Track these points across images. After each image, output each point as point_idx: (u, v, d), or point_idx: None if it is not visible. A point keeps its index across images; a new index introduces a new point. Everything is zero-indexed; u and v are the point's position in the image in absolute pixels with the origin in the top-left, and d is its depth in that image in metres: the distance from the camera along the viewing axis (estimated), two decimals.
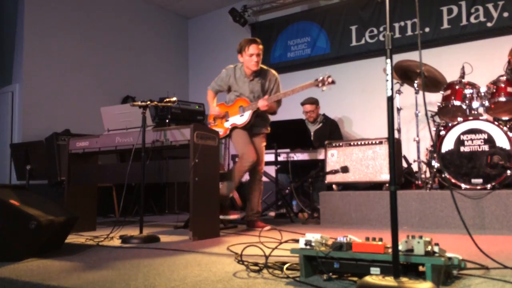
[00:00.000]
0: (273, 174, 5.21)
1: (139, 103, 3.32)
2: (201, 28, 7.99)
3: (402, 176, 4.19)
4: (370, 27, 6.15)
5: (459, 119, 3.81)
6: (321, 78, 3.63)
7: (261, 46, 3.86)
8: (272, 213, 4.98)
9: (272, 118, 4.10)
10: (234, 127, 3.88)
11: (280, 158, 4.78)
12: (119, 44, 6.90)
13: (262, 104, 3.76)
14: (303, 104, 5.47)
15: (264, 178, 5.18)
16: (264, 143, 4.02)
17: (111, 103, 5.61)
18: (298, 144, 4.91)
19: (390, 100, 1.79)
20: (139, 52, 7.22)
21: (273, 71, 4.01)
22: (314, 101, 5.43)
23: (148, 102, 3.32)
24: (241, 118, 3.85)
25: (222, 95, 4.18)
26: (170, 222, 4.55)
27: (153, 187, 5.77)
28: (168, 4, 7.54)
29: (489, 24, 5.29)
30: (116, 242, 3.02)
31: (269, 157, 4.81)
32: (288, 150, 4.93)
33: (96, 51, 6.57)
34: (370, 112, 5.90)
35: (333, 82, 3.60)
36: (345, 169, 4.17)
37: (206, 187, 3.21)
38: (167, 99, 3.45)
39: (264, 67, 3.98)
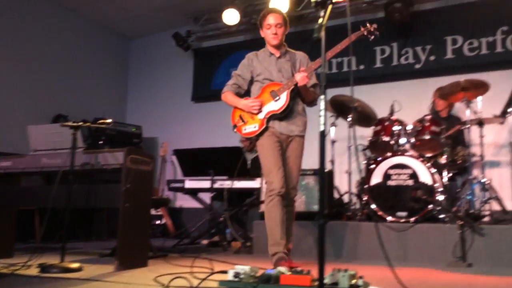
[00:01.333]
0: (208, 201, 5.16)
1: (70, 123, 3.18)
2: (143, 49, 7.88)
3: (333, 208, 4.30)
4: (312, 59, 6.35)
5: (388, 154, 4.01)
6: (362, 28, 3.17)
7: (281, 16, 3.30)
8: (205, 241, 4.90)
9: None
10: (270, 116, 3.18)
11: (216, 185, 4.74)
12: (53, 59, 6.59)
13: (300, 76, 3.09)
14: None
15: (198, 205, 5.12)
16: (302, 150, 3.39)
17: (41, 121, 5.35)
18: (235, 171, 4.90)
19: (322, 135, 1.85)
20: (76, 69, 6.94)
21: (302, 52, 3.48)
22: None
23: (80, 123, 3.18)
24: (277, 103, 3.18)
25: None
26: (96, 249, 4.32)
27: (80, 211, 5.48)
28: (110, 23, 7.39)
29: (417, 66, 5.67)
30: (34, 271, 2.80)
31: (204, 183, 4.76)
32: (225, 177, 4.90)
33: (28, 65, 6.23)
34: (308, 143, 6.02)
35: (376, 30, 3.14)
36: None
37: (137, 213, 3.09)
38: (102, 121, 3.33)
39: (292, 50, 3.45)
